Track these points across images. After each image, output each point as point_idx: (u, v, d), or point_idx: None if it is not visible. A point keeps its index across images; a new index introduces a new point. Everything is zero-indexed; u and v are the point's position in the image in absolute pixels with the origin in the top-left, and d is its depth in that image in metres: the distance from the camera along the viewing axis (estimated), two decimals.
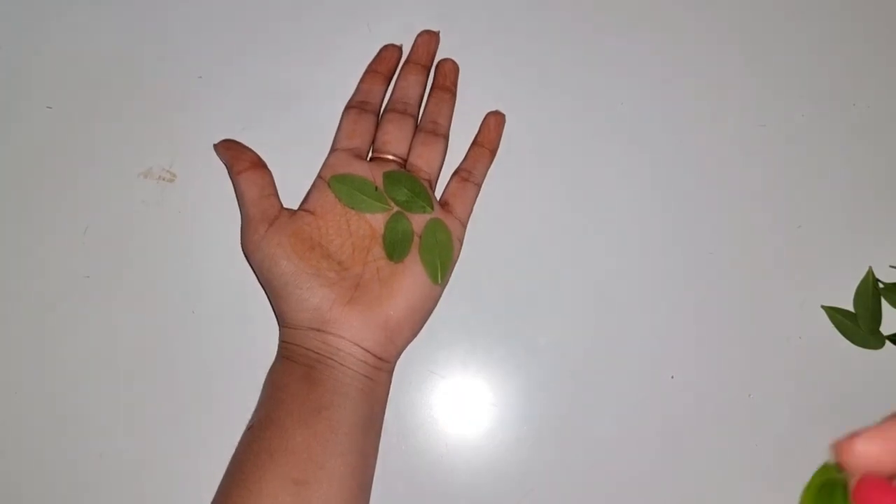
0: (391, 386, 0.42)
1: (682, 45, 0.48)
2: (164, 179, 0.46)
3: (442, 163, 0.45)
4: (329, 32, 0.47)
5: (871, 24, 0.49)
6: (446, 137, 0.45)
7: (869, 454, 0.23)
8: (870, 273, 0.45)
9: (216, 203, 0.45)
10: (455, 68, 0.46)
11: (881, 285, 0.46)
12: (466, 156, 0.45)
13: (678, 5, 0.49)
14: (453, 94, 0.46)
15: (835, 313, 0.45)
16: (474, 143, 0.46)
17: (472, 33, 0.47)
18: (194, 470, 0.42)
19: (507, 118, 0.46)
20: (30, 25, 0.47)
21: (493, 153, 0.46)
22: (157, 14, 0.47)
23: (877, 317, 0.45)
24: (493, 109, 0.46)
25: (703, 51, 0.48)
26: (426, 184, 0.43)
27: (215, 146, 0.44)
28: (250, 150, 0.44)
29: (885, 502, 0.22)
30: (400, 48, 0.46)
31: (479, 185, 0.45)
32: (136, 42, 0.47)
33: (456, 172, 0.45)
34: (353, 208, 0.42)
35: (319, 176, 0.43)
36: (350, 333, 0.40)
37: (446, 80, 0.46)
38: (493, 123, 0.46)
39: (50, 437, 0.43)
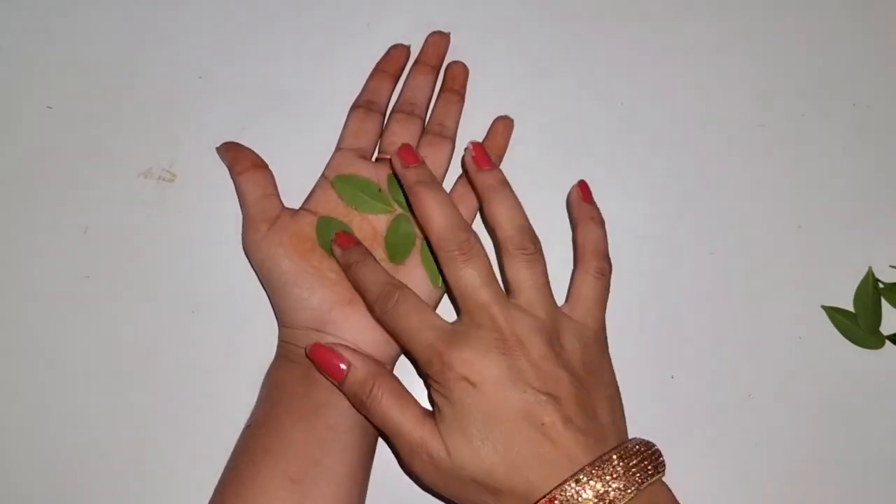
0: None
1: (682, 44, 0.48)
2: (164, 179, 0.46)
3: (448, 166, 0.44)
4: (329, 32, 0.47)
5: (871, 24, 0.49)
6: (453, 140, 0.45)
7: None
8: (870, 273, 0.45)
9: (216, 203, 0.45)
10: (465, 71, 0.46)
11: (881, 285, 0.46)
12: None
13: (679, 5, 0.49)
14: (462, 97, 0.46)
15: (835, 313, 0.45)
16: None
17: (472, 33, 0.47)
18: (194, 469, 0.42)
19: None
20: (30, 25, 0.47)
21: (500, 158, 0.45)
22: (157, 14, 0.47)
23: (877, 317, 0.45)
24: (502, 114, 0.46)
25: (703, 50, 0.48)
26: None
27: (217, 149, 0.44)
28: (251, 151, 0.44)
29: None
30: (408, 48, 0.46)
31: None
32: (136, 42, 0.47)
33: (462, 176, 0.45)
34: (355, 209, 0.42)
35: (323, 175, 0.43)
36: (349, 334, 0.40)
37: (455, 82, 0.46)
38: (501, 128, 0.46)
39: (50, 437, 0.43)
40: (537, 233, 0.39)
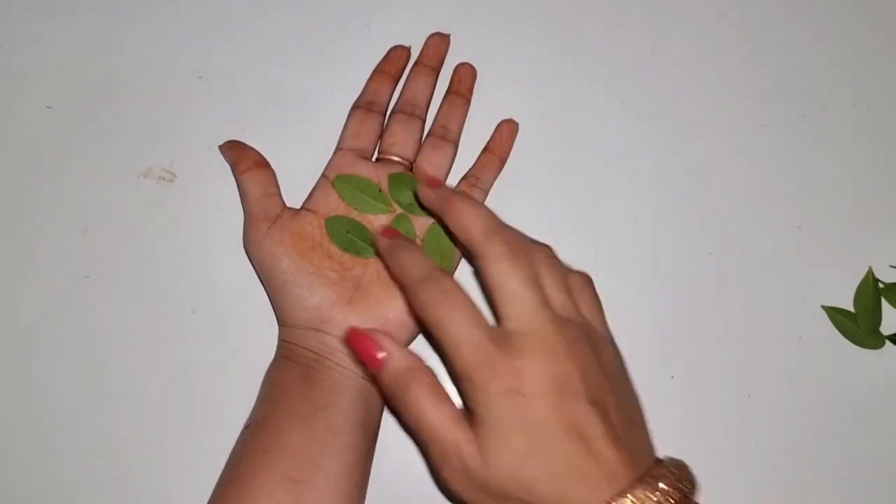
0: None
1: (681, 44, 0.48)
2: (164, 179, 0.46)
3: (450, 169, 0.44)
4: (329, 32, 0.47)
5: (871, 24, 0.49)
6: (456, 143, 0.45)
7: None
8: (870, 273, 0.45)
9: (216, 203, 0.45)
10: (472, 74, 0.46)
11: (881, 285, 0.46)
12: (476, 162, 0.45)
13: (678, 5, 0.49)
14: (467, 101, 0.46)
15: (835, 313, 0.45)
16: (485, 149, 0.45)
17: (472, 33, 0.47)
18: (194, 470, 0.42)
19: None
20: (30, 25, 0.47)
21: (503, 162, 0.45)
22: (156, 14, 0.47)
23: (877, 317, 0.45)
24: (507, 118, 0.46)
25: (702, 51, 0.48)
26: None
27: (220, 147, 0.44)
28: (254, 149, 0.44)
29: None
30: (408, 49, 0.46)
31: (486, 192, 0.45)
32: (136, 42, 0.47)
33: (464, 178, 0.45)
34: (356, 209, 0.42)
35: (324, 175, 0.43)
36: None
37: (462, 85, 0.46)
38: (506, 132, 0.46)
39: (49, 437, 0.43)
40: (532, 232, 0.38)
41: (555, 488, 0.31)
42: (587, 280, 0.37)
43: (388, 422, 0.42)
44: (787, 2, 0.49)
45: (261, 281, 0.43)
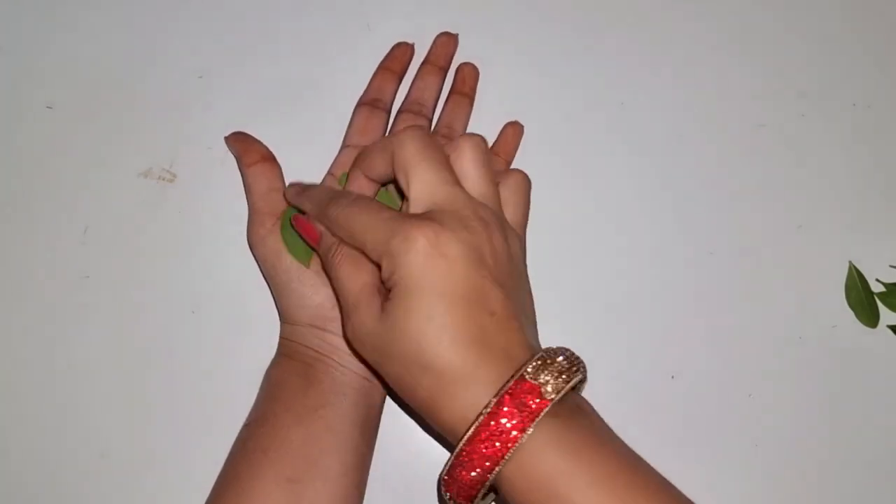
0: None
1: (681, 45, 0.48)
2: (164, 179, 0.46)
3: None
4: (329, 32, 0.47)
5: (871, 24, 0.49)
6: None
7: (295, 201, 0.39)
8: (851, 268, 0.46)
9: (216, 203, 0.45)
10: (475, 74, 0.46)
11: (882, 287, 0.46)
12: None
13: (678, 5, 0.49)
14: (471, 100, 0.46)
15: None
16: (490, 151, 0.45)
17: (472, 33, 0.47)
18: (194, 469, 0.42)
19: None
20: (30, 25, 0.47)
21: (508, 164, 0.45)
22: (157, 13, 0.47)
23: (873, 307, 0.45)
24: (512, 120, 0.46)
25: (702, 51, 0.48)
26: None
27: (226, 138, 0.44)
28: (261, 143, 0.44)
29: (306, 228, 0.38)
30: (412, 46, 0.46)
31: None
32: (136, 41, 0.47)
33: None
34: None
35: (330, 173, 0.43)
36: None
37: (465, 85, 0.46)
38: (511, 134, 0.46)
39: (50, 437, 0.43)
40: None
41: (452, 355, 0.31)
42: (522, 179, 0.37)
43: (388, 422, 0.42)
44: (787, 2, 0.49)
45: (263, 277, 0.43)
